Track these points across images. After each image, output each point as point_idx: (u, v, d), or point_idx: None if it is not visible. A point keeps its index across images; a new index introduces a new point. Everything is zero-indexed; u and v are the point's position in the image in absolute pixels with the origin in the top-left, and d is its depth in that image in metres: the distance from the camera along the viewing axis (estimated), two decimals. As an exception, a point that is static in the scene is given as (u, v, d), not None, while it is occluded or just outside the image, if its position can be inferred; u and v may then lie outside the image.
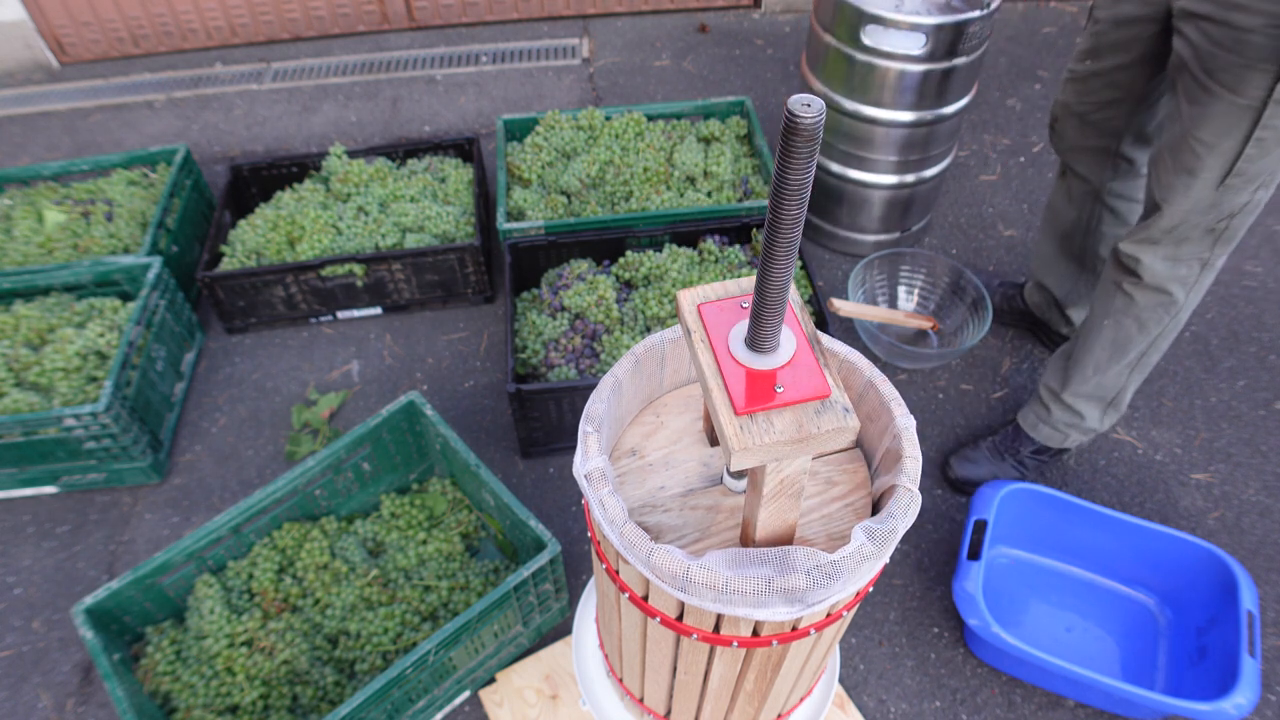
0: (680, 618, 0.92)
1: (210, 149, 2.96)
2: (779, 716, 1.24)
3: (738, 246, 2.16)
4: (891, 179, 2.29)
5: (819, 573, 0.81)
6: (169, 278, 2.14)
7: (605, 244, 2.20)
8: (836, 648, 1.47)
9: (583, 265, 2.14)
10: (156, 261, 2.10)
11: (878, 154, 2.24)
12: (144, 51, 3.38)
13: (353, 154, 2.50)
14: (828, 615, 0.92)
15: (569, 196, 2.37)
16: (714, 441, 1.04)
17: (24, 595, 1.83)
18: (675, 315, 2.02)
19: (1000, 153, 2.84)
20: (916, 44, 1.97)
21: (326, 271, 2.19)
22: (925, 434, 2.07)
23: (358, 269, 2.21)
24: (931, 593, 1.79)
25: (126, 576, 1.54)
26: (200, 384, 2.23)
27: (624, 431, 1.06)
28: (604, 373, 1.78)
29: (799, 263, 2.13)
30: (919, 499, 0.87)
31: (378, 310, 2.36)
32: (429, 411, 1.76)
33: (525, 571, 1.48)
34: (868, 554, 0.82)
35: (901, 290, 2.33)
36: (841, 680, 1.67)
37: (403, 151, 2.56)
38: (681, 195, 2.35)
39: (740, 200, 2.36)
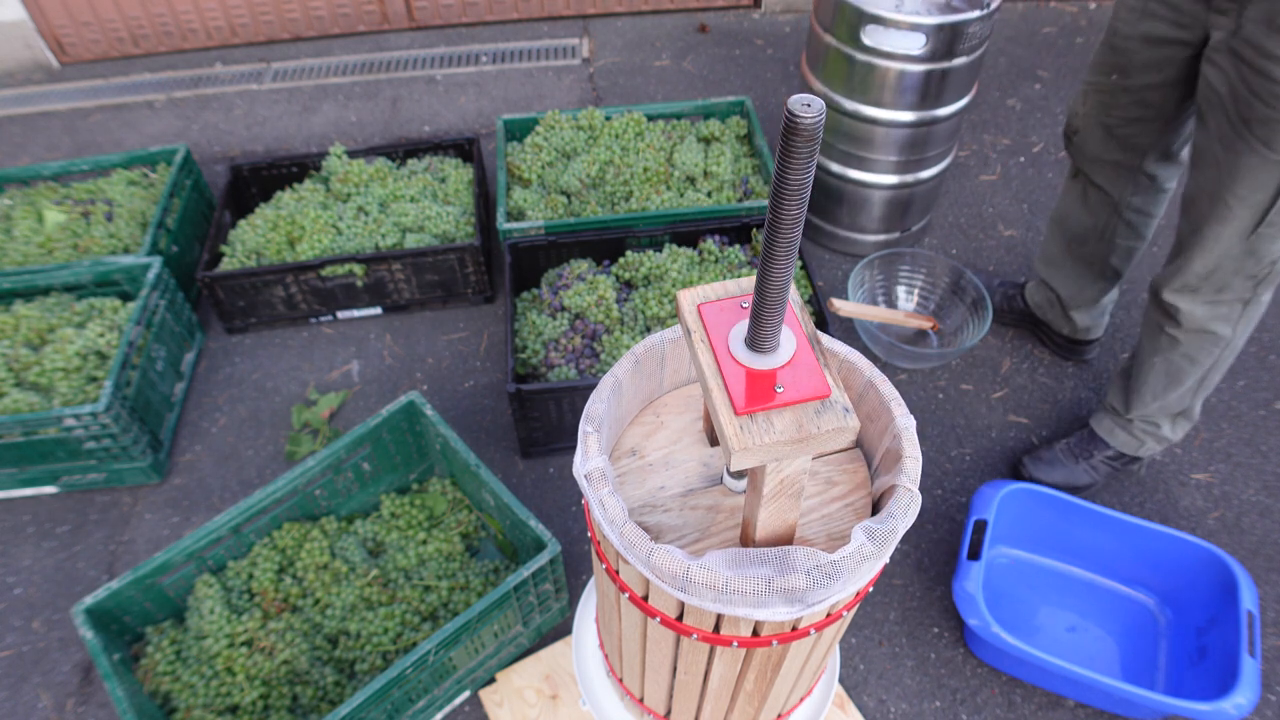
0: (680, 618, 0.92)
1: (210, 149, 2.96)
2: (779, 716, 1.24)
3: (738, 246, 2.16)
4: (891, 179, 2.29)
5: (819, 573, 0.81)
6: (169, 278, 2.14)
7: (605, 244, 2.20)
8: (836, 648, 1.47)
9: (583, 265, 2.14)
10: (156, 261, 2.10)
11: (878, 154, 2.24)
12: (144, 51, 3.38)
13: (353, 154, 2.50)
14: (828, 615, 0.92)
15: (569, 196, 2.37)
16: (714, 441, 1.04)
17: (24, 595, 1.83)
18: (675, 315, 2.02)
19: (1000, 153, 2.84)
20: (916, 44, 1.97)
21: (326, 271, 2.19)
22: (925, 434, 2.07)
23: (358, 269, 2.21)
24: (931, 593, 1.79)
25: (126, 576, 1.54)
26: (200, 384, 2.23)
27: (624, 431, 1.06)
28: (604, 373, 1.78)
29: (799, 263, 2.13)
30: (919, 499, 0.87)
31: (378, 310, 2.36)
32: (429, 411, 1.76)
33: (525, 571, 1.48)
34: (868, 554, 0.82)
35: (901, 290, 2.33)
36: (841, 680, 1.67)
37: (403, 151, 2.56)
38: (681, 195, 2.35)
39: (740, 200, 2.36)
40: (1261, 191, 1.34)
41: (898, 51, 1.99)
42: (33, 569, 1.87)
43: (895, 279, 2.32)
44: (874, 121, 2.16)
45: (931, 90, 2.07)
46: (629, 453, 1.03)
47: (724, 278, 2.10)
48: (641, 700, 1.27)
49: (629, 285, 2.15)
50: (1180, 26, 1.45)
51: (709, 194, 2.37)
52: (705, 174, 2.41)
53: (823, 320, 1.95)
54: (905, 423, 0.92)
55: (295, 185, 2.49)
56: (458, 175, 2.48)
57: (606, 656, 1.34)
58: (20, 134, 3.04)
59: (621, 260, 2.15)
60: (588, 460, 0.90)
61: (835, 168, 2.33)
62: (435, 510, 1.84)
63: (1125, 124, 1.65)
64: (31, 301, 2.12)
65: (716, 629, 0.91)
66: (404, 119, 3.06)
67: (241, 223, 2.35)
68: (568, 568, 1.83)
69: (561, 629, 1.74)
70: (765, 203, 2.22)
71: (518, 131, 2.54)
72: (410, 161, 2.56)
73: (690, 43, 3.38)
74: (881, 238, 2.46)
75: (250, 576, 1.69)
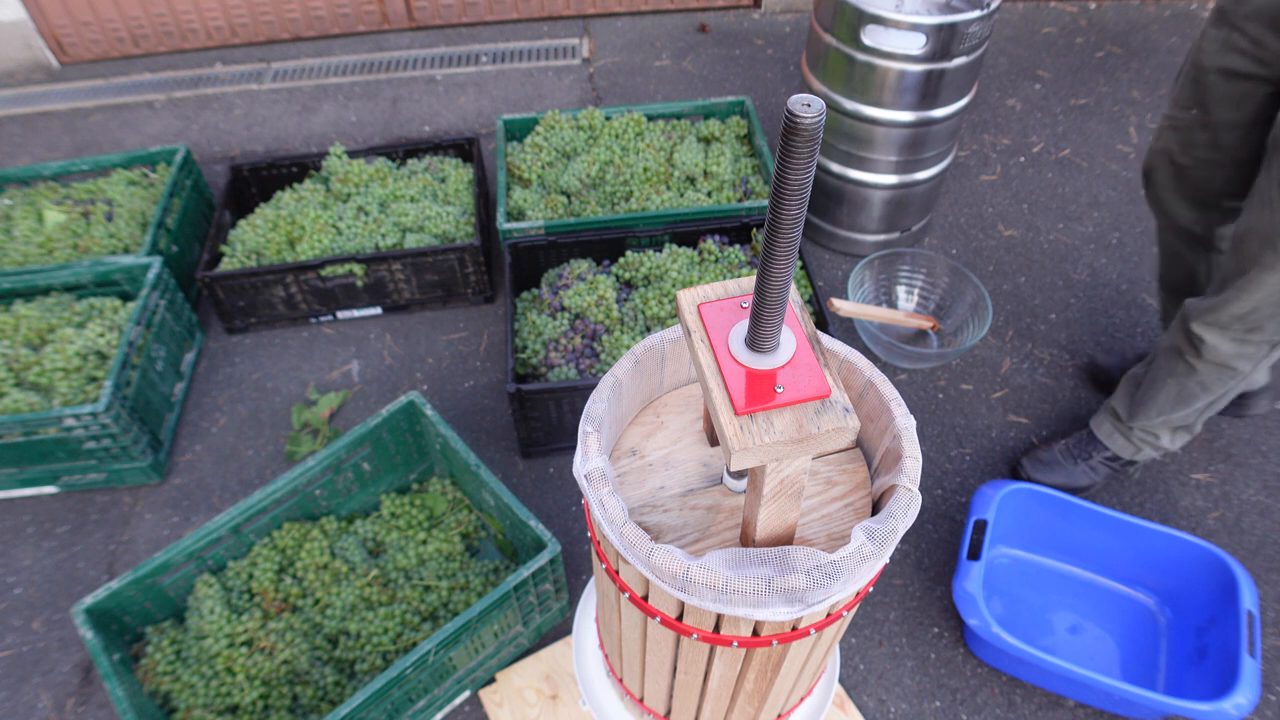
0: (680, 618, 0.92)
1: (210, 149, 2.96)
2: (779, 716, 1.24)
3: (738, 246, 2.16)
4: (891, 179, 2.29)
5: (819, 573, 0.81)
6: (169, 278, 2.14)
7: (605, 244, 2.20)
8: (836, 648, 1.47)
9: (583, 265, 2.14)
10: (156, 261, 2.10)
11: (878, 154, 2.24)
12: (144, 51, 3.38)
13: (353, 154, 2.50)
14: (828, 615, 0.92)
15: (569, 196, 2.37)
16: (714, 441, 1.04)
17: (24, 595, 1.83)
18: (675, 315, 2.02)
19: (1000, 153, 2.84)
20: (916, 44, 1.97)
21: (326, 271, 2.19)
22: (925, 434, 2.07)
23: (358, 269, 2.21)
24: (931, 593, 1.79)
25: (126, 576, 1.54)
26: (200, 384, 2.23)
27: (624, 431, 1.06)
28: (604, 373, 1.78)
29: (799, 263, 2.13)
30: (919, 499, 0.87)
31: (378, 310, 2.36)
32: (429, 411, 1.76)
33: (525, 571, 1.48)
34: (868, 554, 0.82)
35: (901, 290, 2.33)
36: (841, 680, 1.67)
37: (403, 151, 2.56)
38: (681, 195, 2.35)
39: (740, 200, 2.36)
40: None
41: (898, 51, 1.99)
42: (33, 569, 1.87)
43: (895, 279, 2.32)
44: (874, 121, 2.16)
45: (931, 90, 2.07)
46: (629, 453, 1.03)
47: (724, 278, 2.10)
48: (641, 700, 1.27)
49: (629, 285, 2.15)
50: (1261, 63, 1.42)
51: (709, 194, 2.37)
52: (705, 174, 2.41)
53: (823, 320, 1.95)
54: (905, 423, 0.92)
55: (295, 185, 2.49)
56: (458, 175, 2.48)
57: (606, 656, 1.34)
58: (20, 134, 3.04)
59: (621, 260, 2.15)
60: (588, 460, 0.90)
61: (835, 168, 2.33)
62: (435, 510, 1.84)
63: (1199, 165, 1.61)
64: (31, 301, 2.12)
65: (716, 629, 0.91)
66: (404, 119, 3.06)
67: (241, 223, 2.35)
68: (568, 568, 1.83)
69: (561, 629, 1.74)
70: (765, 203, 2.22)
71: (518, 131, 2.54)
72: (410, 161, 2.56)
73: (690, 43, 3.38)
74: (881, 238, 2.46)
75: (250, 576, 1.69)
